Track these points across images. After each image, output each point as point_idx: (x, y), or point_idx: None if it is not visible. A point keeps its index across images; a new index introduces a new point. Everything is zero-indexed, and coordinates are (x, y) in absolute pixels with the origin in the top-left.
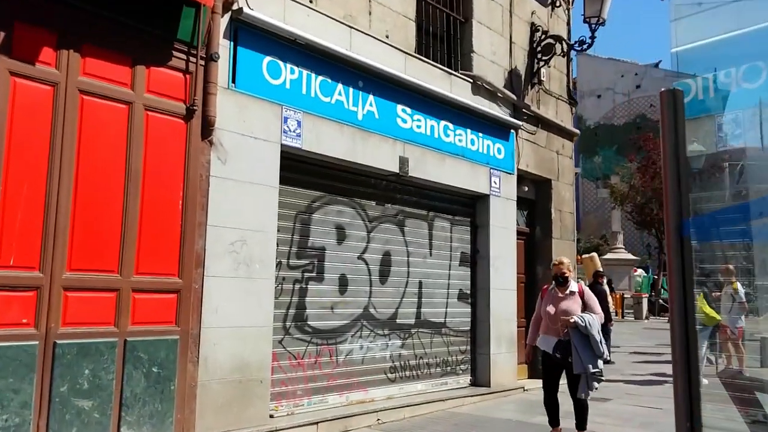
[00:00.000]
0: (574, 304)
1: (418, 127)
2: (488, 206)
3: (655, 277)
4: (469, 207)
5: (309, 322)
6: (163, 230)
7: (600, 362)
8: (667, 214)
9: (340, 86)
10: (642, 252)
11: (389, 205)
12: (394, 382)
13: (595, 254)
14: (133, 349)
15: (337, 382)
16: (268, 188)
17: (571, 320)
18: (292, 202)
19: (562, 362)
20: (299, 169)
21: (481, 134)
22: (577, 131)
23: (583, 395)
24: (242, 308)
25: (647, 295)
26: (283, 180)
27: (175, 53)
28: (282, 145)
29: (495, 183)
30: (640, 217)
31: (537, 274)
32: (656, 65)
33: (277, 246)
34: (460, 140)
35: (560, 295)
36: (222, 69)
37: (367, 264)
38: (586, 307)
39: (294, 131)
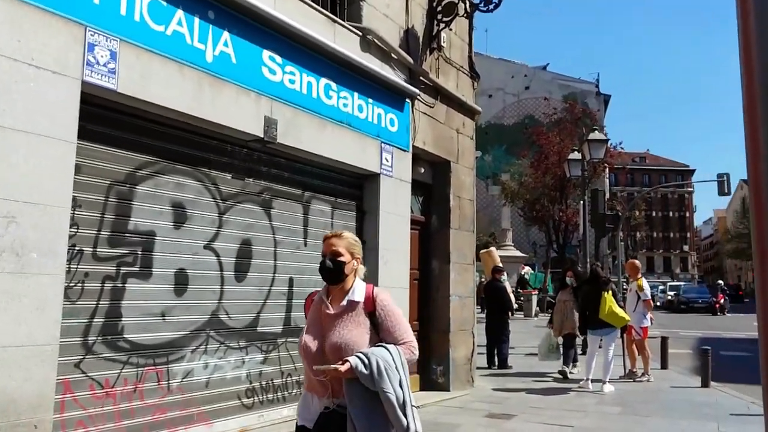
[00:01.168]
0: (354, 330)
1: (291, 81)
2: (378, 188)
3: (525, 275)
4: (356, 188)
5: (126, 336)
6: None
7: None
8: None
9: (180, 13)
10: (529, 249)
11: (251, 180)
12: (251, 408)
13: (493, 249)
14: None
15: (169, 415)
16: (57, 143)
17: (342, 367)
18: (104, 167)
19: None
20: (115, 121)
21: (371, 100)
22: (479, 109)
23: None
24: (5, 318)
25: (536, 291)
26: (88, 135)
27: None
28: (84, 82)
29: (387, 160)
30: (531, 213)
31: (432, 270)
32: (544, 68)
33: (77, 228)
34: (345, 105)
35: (331, 310)
36: None
37: (217, 255)
38: (380, 334)
39: (105, 65)
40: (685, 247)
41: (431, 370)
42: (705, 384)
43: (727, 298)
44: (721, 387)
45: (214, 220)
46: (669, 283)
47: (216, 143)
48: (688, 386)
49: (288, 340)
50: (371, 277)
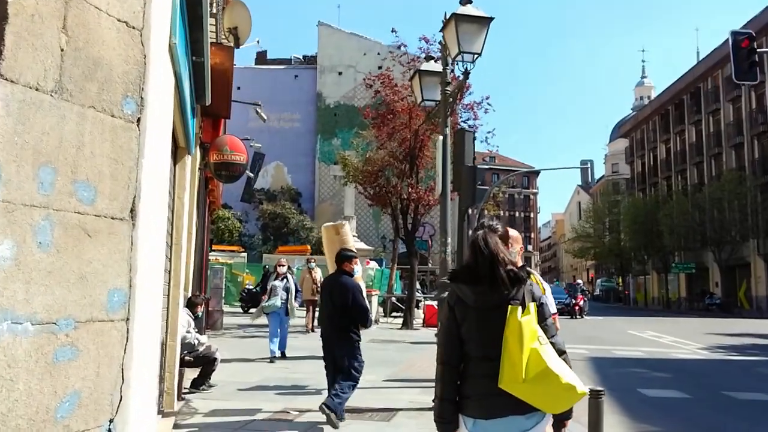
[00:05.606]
0: None
1: None
2: None
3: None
4: None
5: None
6: None
7: None
8: None
9: None
10: (377, 243)
11: None
12: None
13: (345, 222)
14: None
15: None
16: None
17: None
18: None
19: None
20: None
21: None
22: None
23: None
24: None
25: (377, 292)
26: None
27: None
28: None
29: None
30: (373, 190)
31: None
32: (399, 47)
33: None
34: None
35: None
36: None
37: None
38: None
39: None
40: (530, 247)
41: None
42: None
43: (586, 299)
44: None
45: None
46: None
47: None
48: None
49: None
50: None
